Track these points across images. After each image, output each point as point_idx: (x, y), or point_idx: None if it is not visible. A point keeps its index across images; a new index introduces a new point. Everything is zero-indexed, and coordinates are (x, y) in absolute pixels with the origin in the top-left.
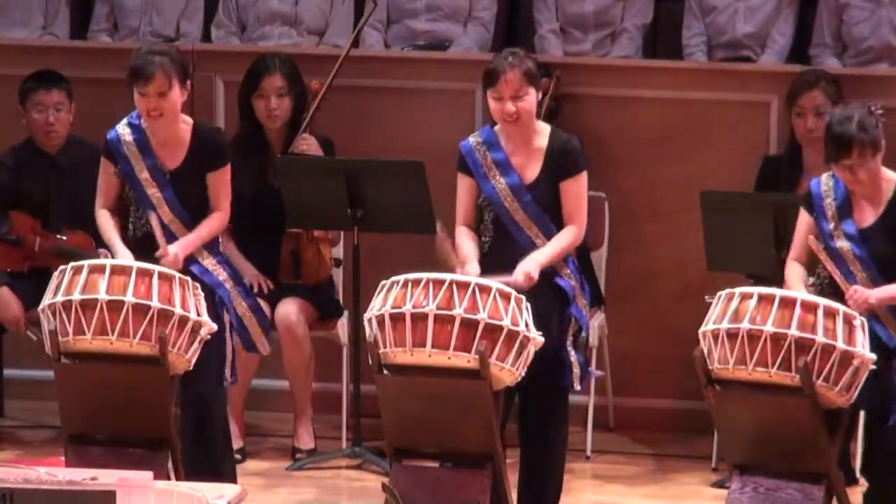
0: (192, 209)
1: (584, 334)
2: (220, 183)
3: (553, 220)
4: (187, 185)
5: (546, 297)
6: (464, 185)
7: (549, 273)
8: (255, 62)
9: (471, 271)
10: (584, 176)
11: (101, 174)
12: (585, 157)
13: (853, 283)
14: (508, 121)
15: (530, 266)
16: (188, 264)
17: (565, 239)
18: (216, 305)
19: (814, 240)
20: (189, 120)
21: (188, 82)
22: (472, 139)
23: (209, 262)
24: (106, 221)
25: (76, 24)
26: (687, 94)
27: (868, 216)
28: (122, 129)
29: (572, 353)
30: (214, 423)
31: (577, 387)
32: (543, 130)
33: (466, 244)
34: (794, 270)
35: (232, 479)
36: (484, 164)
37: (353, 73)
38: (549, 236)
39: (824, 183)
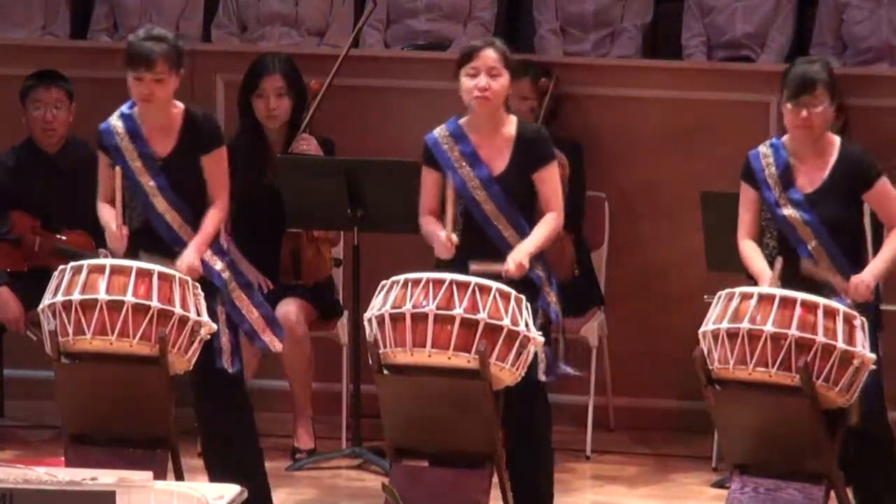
0: (188, 197)
1: (554, 326)
2: (216, 167)
3: (522, 212)
4: (181, 172)
5: (514, 288)
6: (429, 177)
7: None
8: (255, 62)
9: (442, 237)
10: (555, 164)
11: (99, 168)
12: (552, 147)
13: (804, 253)
14: (479, 97)
15: (520, 255)
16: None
17: (548, 226)
18: (212, 296)
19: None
20: (179, 105)
21: (182, 70)
22: (438, 131)
23: (207, 255)
24: (106, 212)
25: (76, 24)
26: (687, 94)
27: (812, 181)
28: (114, 121)
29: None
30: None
31: (542, 378)
32: (511, 121)
33: (433, 224)
34: (750, 247)
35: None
36: (452, 157)
37: (353, 73)
38: (517, 228)
39: (762, 153)
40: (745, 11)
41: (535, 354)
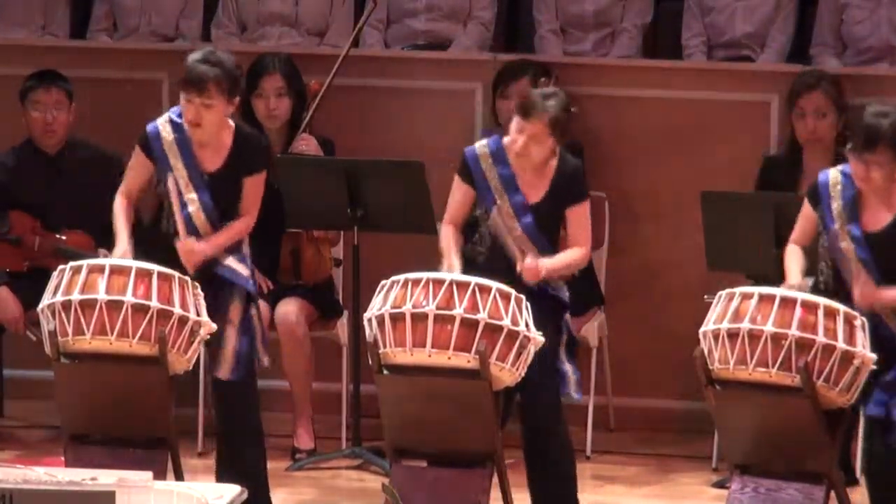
0: (225, 213)
1: (574, 344)
2: (254, 187)
3: (549, 240)
4: (225, 189)
5: (540, 306)
6: (460, 190)
7: (542, 284)
8: (255, 62)
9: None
10: (588, 202)
11: (133, 161)
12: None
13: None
14: (517, 152)
15: (542, 262)
16: (212, 267)
17: (573, 256)
18: (245, 301)
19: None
20: (231, 123)
21: (237, 96)
22: (480, 148)
23: (231, 262)
24: (119, 207)
25: (76, 24)
26: (687, 94)
27: (877, 220)
28: (164, 127)
29: (566, 362)
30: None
31: (576, 396)
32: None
33: (452, 256)
34: (793, 251)
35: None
36: (489, 179)
37: (353, 73)
38: (543, 253)
39: (832, 179)
40: (745, 11)
41: (563, 371)
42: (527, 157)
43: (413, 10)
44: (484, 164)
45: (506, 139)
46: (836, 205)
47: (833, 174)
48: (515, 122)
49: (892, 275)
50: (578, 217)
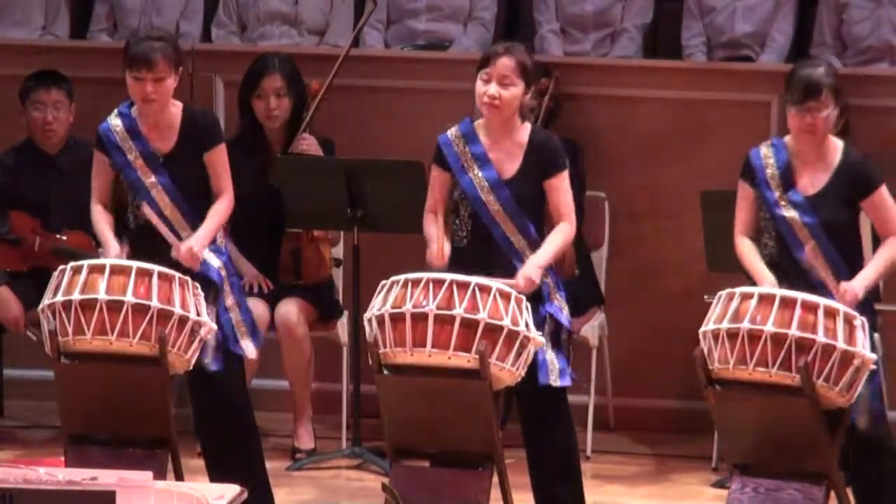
0: (189, 194)
1: (565, 331)
2: (218, 163)
3: (530, 218)
4: (183, 169)
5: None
6: (437, 177)
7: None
8: (255, 62)
9: (435, 253)
10: (566, 173)
11: (94, 167)
12: (566, 158)
13: (801, 253)
14: (487, 104)
15: (531, 270)
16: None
17: (560, 237)
18: (217, 292)
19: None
20: (178, 103)
21: (181, 69)
22: (451, 132)
23: (206, 254)
24: (98, 215)
25: (76, 24)
26: (687, 94)
27: (813, 183)
28: (113, 120)
29: (548, 350)
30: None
31: (556, 383)
32: (524, 127)
33: (432, 228)
34: (748, 247)
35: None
36: (462, 158)
37: (353, 73)
38: (525, 233)
39: (763, 153)
40: (745, 11)
41: (544, 360)
42: (499, 107)
43: (413, 11)
44: (456, 145)
45: (477, 121)
46: (770, 172)
47: (762, 148)
48: (481, 75)
49: (839, 236)
50: (557, 189)
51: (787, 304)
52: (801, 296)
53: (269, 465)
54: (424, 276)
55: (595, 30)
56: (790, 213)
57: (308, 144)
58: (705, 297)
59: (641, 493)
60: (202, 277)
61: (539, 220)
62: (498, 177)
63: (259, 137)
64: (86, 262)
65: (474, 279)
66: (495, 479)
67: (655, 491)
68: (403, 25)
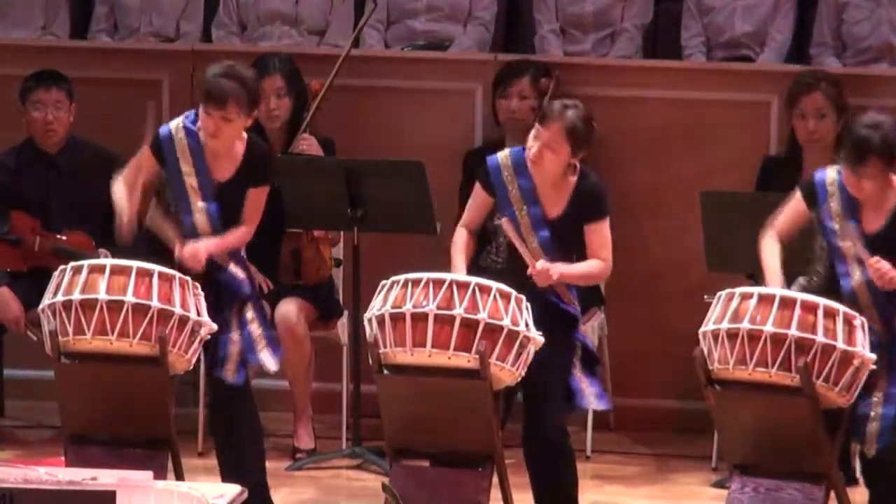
0: (229, 223)
1: (594, 357)
2: (257, 199)
3: (563, 257)
4: (232, 198)
5: (552, 321)
6: (480, 197)
7: (553, 298)
8: (256, 62)
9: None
10: (608, 220)
11: (140, 158)
12: (608, 203)
13: (847, 287)
14: (531, 159)
15: (553, 267)
16: (213, 272)
17: (591, 266)
18: (242, 304)
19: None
20: (244, 134)
21: (254, 112)
22: (502, 157)
23: (231, 266)
24: (119, 188)
25: (76, 24)
26: (687, 94)
27: (873, 221)
28: (177, 131)
29: (582, 378)
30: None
31: (596, 407)
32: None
33: (459, 258)
34: (773, 248)
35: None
36: (510, 191)
37: (353, 73)
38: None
39: (829, 180)
40: (744, 11)
41: (577, 388)
42: (541, 166)
43: (413, 11)
44: (505, 173)
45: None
46: (833, 204)
47: (830, 174)
48: (534, 130)
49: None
50: (596, 233)
51: (787, 304)
52: (800, 296)
53: (269, 464)
54: (424, 276)
55: (595, 30)
56: (846, 244)
57: (308, 144)
58: (705, 297)
59: (641, 493)
60: (228, 289)
61: (572, 260)
62: (543, 214)
63: (259, 138)
64: (86, 262)
65: (474, 279)
66: (495, 479)
67: (655, 491)
68: (403, 25)
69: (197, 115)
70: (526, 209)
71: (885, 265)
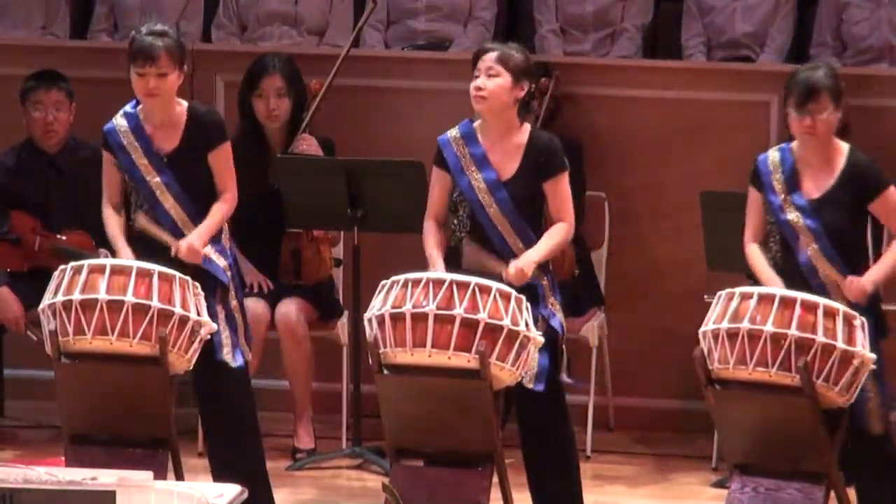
0: (193, 193)
1: (558, 333)
2: (222, 162)
3: (527, 220)
4: (186, 168)
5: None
6: (438, 178)
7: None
8: (255, 62)
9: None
10: (566, 174)
11: (103, 168)
12: (566, 159)
13: (803, 258)
14: (475, 96)
15: (524, 263)
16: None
17: (557, 235)
18: (225, 292)
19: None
20: (183, 102)
21: (185, 66)
22: (451, 133)
23: (210, 252)
24: (110, 218)
25: (76, 24)
26: (687, 94)
27: (817, 187)
28: (118, 120)
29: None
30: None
31: (529, 386)
32: (524, 129)
33: (433, 252)
34: (758, 255)
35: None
36: (461, 159)
37: (353, 73)
38: (522, 235)
39: (771, 158)
40: (744, 11)
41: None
42: (486, 97)
43: (413, 11)
44: (455, 145)
45: (476, 123)
46: (777, 177)
47: (770, 153)
48: (475, 73)
49: (841, 239)
50: (556, 190)
51: (787, 303)
52: (800, 295)
53: (269, 464)
54: (424, 275)
55: (595, 30)
56: (793, 216)
57: (308, 144)
58: (705, 297)
59: (641, 493)
60: (208, 276)
61: (537, 224)
62: (496, 178)
63: (259, 137)
64: (86, 262)
65: (474, 279)
66: (495, 478)
67: (655, 491)
68: (403, 25)
69: (136, 103)
70: (481, 175)
71: (858, 285)
